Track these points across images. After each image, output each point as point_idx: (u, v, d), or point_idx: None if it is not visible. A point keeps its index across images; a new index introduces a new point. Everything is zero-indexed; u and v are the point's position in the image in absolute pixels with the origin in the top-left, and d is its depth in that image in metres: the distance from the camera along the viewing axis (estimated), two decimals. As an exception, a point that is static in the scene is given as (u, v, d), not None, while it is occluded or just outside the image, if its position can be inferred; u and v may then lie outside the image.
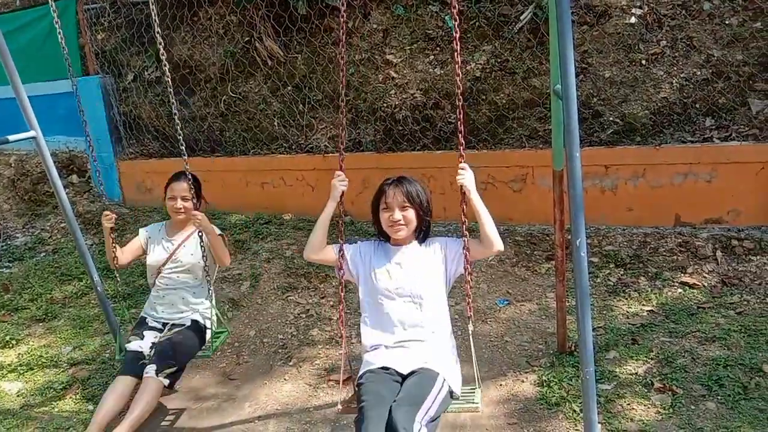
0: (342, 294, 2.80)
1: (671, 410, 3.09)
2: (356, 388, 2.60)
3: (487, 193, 5.31)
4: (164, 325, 3.61)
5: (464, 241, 2.58)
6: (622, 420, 3.07)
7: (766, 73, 5.09)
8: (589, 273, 4.39)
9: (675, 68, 5.33)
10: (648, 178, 5.00)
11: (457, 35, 2.53)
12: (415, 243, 2.75)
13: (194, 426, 3.56)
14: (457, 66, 2.56)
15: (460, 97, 2.59)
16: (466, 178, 2.57)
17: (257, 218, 6.18)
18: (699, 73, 5.23)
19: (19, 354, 4.53)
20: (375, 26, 6.39)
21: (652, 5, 5.54)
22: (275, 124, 6.63)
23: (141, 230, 3.86)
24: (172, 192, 3.62)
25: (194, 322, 3.60)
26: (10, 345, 4.66)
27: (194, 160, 6.74)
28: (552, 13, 2.80)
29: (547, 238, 5.06)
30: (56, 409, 3.82)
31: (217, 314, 3.72)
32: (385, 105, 6.08)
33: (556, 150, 3.36)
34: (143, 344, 3.50)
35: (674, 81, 5.29)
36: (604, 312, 4.17)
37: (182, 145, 3.44)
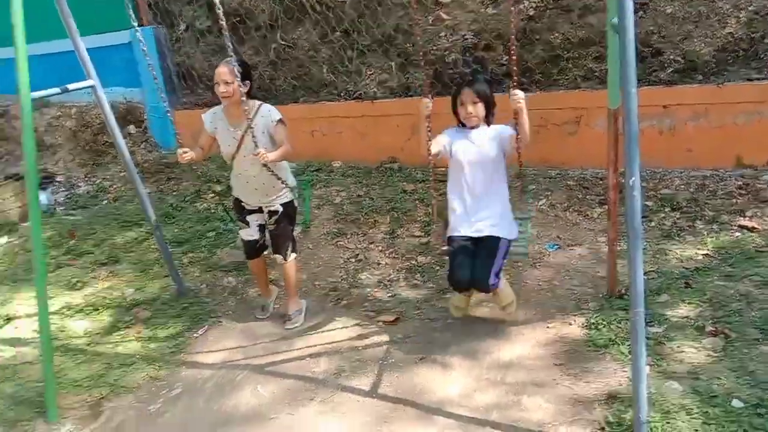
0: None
1: (723, 353, 3.02)
2: (445, 246, 3.59)
3: (539, 137, 5.21)
4: (258, 207, 3.97)
5: (515, 135, 3.38)
6: (672, 362, 3.03)
7: (844, 3, 4.73)
8: (643, 217, 4.29)
9: (742, 1, 5.00)
10: (709, 118, 4.78)
11: None
12: (484, 126, 3.54)
13: (249, 363, 3.71)
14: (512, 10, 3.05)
15: (515, 30, 3.32)
16: (520, 99, 3.22)
17: (307, 166, 6.25)
18: (769, 4, 4.90)
19: (84, 296, 4.79)
20: (424, -34, 6.21)
21: (720, -68, 5.17)
22: (324, 70, 6.61)
23: (203, 117, 3.93)
24: (216, 77, 3.68)
25: (283, 204, 3.94)
26: (77, 287, 4.93)
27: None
28: (606, -59, 2.66)
29: (600, 182, 4.94)
30: (120, 347, 4.05)
31: (295, 188, 4.03)
32: (435, 48, 5.96)
33: (611, 87, 3.24)
34: (252, 231, 4.02)
35: (741, 14, 4.98)
36: (657, 256, 4.07)
37: (226, 32, 3.41)
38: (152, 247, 5.37)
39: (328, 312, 4.16)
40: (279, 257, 4.02)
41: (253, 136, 3.52)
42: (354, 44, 6.45)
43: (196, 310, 4.36)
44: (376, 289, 4.31)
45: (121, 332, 4.22)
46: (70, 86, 3.88)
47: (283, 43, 6.87)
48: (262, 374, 3.56)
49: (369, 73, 6.42)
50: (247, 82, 3.63)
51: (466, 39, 5.89)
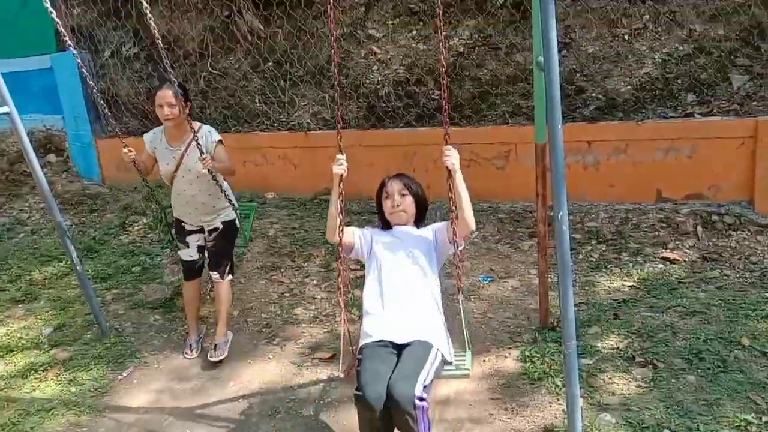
0: (341, 267, 2.93)
1: (652, 384, 3.13)
2: (357, 358, 2.76)
3: (470, 170, 5.31)
4: (201, 228, 3.99)
5: (452, 215, 2.79)
6: (604, 394, 3.10)
7: (747, 48, 5.10)
8: (572, 249, 4.40)
9: (657, 43, 5.32)
10: (630, 154, 5.01)
11: (440, 10, 2.67)
12: (413, 226, 3.07)
13: (178, 405, 3.54)
14: (442, 46, 2.78)
15: (445, 76, 2.80)
16: (452, 158, 2.75)
17: (239, 197, 6.09)
18: (681, 48, 5.23)
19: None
20: (357, 0, 6.30)
21: (635, -21, 5.51)
22: (256, 100, 6.55)
23: (144, 138, 4.01)
24: (157, 100, 3.73)
25: (224, 222, 3.96)
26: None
27: (174, 138, 6.70)
28: (535, -13, 2.77)
29: (530, 215, 5.07)
30: (37, 391, 3.78)
31: (237, 206, 4.01)
32: (367, 81, 6.02)
33: (538, 123, 3.35)
34: (192, 252, 4.02)
35: (657, 56, 5.29)
36: (587, 288, 4.20)
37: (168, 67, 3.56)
38: (73, 282, 5.09)
39: (261, 349, 4.03)
40: (215, 275, 3.97)
41: (198, 144, 3.60)
42: (287, 75, 6.42)
43: (119, 351, 4.13)
44: (311, 325, 4.23)
45: (39, 375, 3.94)
46: (-17, 114, 3.68)
47: (213, 71, 6.76)
48: (191, 419, 3.40)
49: (302, 104, 6.40)
50: (188, 103, 3.81)
51: (398, 73, 5.98)
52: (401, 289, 2.84)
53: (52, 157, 7.32)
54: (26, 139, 3.89)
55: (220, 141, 3.88)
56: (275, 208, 5.84)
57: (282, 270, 4.95)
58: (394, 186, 3.02)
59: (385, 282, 2.88)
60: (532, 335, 3.74)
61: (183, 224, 4.02)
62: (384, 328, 2.74)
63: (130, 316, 4.59)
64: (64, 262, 5.42)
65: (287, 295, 4.65)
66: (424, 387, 2.47)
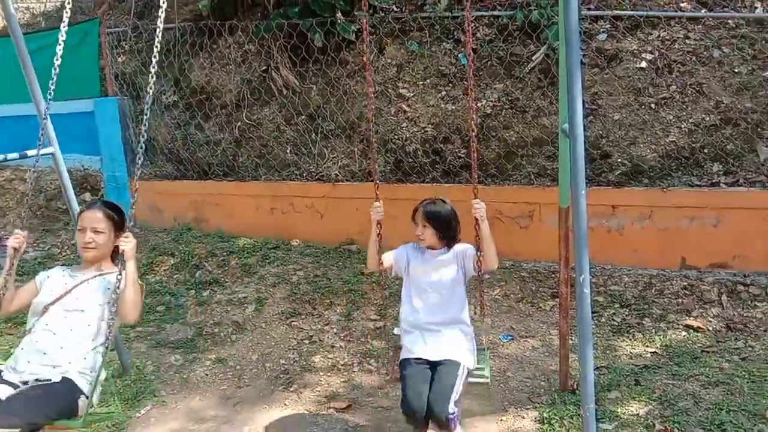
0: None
1: (672, 453, 3.07)
2: (398, 369, 3.23)
3: (494, 228, 5.30)
4: (25, 383, 2.73)
5: (477, 255, 3.17)
6: (622, 461, 3.05)
7: (774, 121, 5.16)
8: (594, 312, 4.41)
9: (684, 113, 5.40)
10: (655, 220, 5.03)
11: (471, 70, 3.03)
12: (443, 249, 3.31)
13: (192, 448, 3.55)
14: (472, 106, 3.16)
15: (474, 134, 3.17)
16: (481, 210, 3.11)
17: (265, 243, 6.23)
18: (708, 118, 5.30)
19: None
20: (389, 61, 6.53)
21: (662, 51, 5.65)
22: (288, 151, 6.73)
23: (41, 273, 3.16)
24: (82, 222, 3.03)
25: (66, 380, 2.73)
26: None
27: (207, 183, 6.90)
28: (562, 54, 2.88)
29: (553, 275, 5.08)
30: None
31: (102, 385, 2.94)
32: (396, 137, 6.17)
33: (562, 187, 3.41)
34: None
35: (683, 125, 5.36)
36: (608, 352, 4.16)
37: (140, 159, 2.86)
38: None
39: (278, 395, 4.04)
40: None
41: (118, 281, 2.81)
42: (318, 128, 6.62)
43: (139, 388, 4.17)
44: (329, 374, 4.23)
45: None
46: (30, 152, 3.85)
47: (248, 122, 6.99)
48: (205, 461, 3.40)
49: (332, 156, 6.56)
50: (118, 234, 3.05)
51: (426, 131, 6.13)
52: (433, 312, 3.23)
53: (87, 196, 7.54)
54: (67, 177, 4.07)
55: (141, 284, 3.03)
56: (299, 255, 5.92)
57: (302, 317, 4.99)
58: (419, 218, 3.29)
59: (419, 303, 3.27)
60: (551, 397, 3.70)
61: (1, 373, 2.80)
62: (420, 348, 3.19)
63: (151, 355, 4.64)
64: (90, 298, 5.52)
65: (306, 342, 4.67)
66: (455, 402, 2.93)
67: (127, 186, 7.32)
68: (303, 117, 6.73)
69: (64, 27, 3.35)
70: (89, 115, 7.51)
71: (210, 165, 6.99)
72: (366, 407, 3.80)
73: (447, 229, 3.28)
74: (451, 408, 2.88)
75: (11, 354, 2.99)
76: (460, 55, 6.23)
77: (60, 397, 2.69)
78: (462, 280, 3.28)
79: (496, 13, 6.27)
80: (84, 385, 2.79)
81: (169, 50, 7.19)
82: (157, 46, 2.99)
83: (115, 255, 3.06)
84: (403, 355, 3.25)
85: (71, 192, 4.08)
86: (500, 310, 4.85)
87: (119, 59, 7.87)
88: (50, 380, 2.72)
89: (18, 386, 2.70)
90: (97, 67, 7.58)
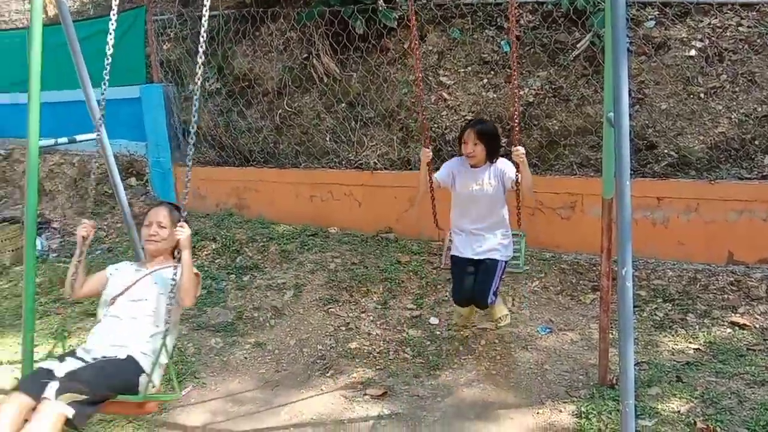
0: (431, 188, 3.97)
1: (714, 452, 3.00)
2: (448, 262, 4.02)
3: (535, 219, 5.30)
4: (93, 359, 2.92)
5: (516, 185, 3.77)
6: (662, 458, 3.00)
7: (831, 112, 4.94)
8: (636, 307, 4.32)
9: (735, 103, 5.22)
10: (701, 213, 4.89)
11: (514, 57, 3.57)
12: (487, 164, 3.85)
13: (230, 429, 3.63)
14: (515, 93, 3.76)
15: (517, 123, 3.75)
16: (521, 155, 3.58)
17: (304, 230, 6.28)
18: (760, 109, 5.11)
19: (69, 346, 4.65)
20: (431, 48, 6.47)
21: (713, 39, 5.45)
22: (327, 139, 6.76)
23: (110, 266, 3.35)
24: (148, 218, 3.29)
25: (129, 358, 2.92)
26: (62, 337, 4.83)
27: (248, 170, 6.99)
28: (608, 41, 2.81)
29: (594, 267, 4.99)
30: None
31: (171, 371, 3.07)
32: (435, 126, 6.13)
33: (606, 178, 3.34)
34: (59, 366, 2.76)
35: (733, 116, 5.18)
36: (649, 347, 4.08)
37: (191, 150, 3.06)
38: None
39: (315, 380, 4.10)
40: (53, 387, 2.58)
41: (174, 275, 2.93)
42: (358, 116, 6.63)
43: (180, 370, 4.27)
44: (365, 360, 4.27)
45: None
46: (78, 137, 3.96)
47: (288, 109, 7.04)
48: (243, 442, 3.48)
49: (371, 144, 6.57)
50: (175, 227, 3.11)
51: (467, 119, 6.07)
52: (478, 216, 3.86)
53: (132, 181, 7.74)
54: (113, 162, 4.17)
55: (197, 274, 3.14)
56: (337, 242, 5.96)
57: (340, 304, 5.03)
58: (469, 136, 3.78)
59: (466, 208, 3.91)
60: (590, 391, 3.65)
61: (75, 351, 3.02)
62: (466, 248, 3.88)
63: (192, 338, 4.75)
64: (135, 280, 5.67)
65: (343, 328, 4.71)
66: (494, 292, 3.74)
67: (171, 171, 7.47)
68: (343, 105, 6.74)
69: (114, 15, 3.42)
70: (136, 101, 7.67)
71: (251, 152, 7.08)
72: (401, 395, 3.82)
73: (495, 145, 3.83)
74: (491, 298, 3.70)
75: (61, 333, 3.42)
76: (502, 42, 6.13)
77: (123, 372, 2.88)
78: (501, 192, 3.83)
79: (540, -1, 6.15)
80: (146, 364, 2.95)
81: (213, 38, 7.28)
82: (203, 36, 3.04)
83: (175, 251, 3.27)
84: (453, 252, 3.94)
85: (117, 177, 4.19)
86: (539, 302, 4.80)
87: (164, 46, 8.01)
88: (116, 356, 2.92)
89: (88, 362, 2.90)
90: (143, 54, 7.73)
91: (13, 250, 6.52)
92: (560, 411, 3.51)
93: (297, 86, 7.01)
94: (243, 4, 7.38)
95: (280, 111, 7.06)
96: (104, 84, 3.44)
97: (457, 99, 6.16)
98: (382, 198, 6.09)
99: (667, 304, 4.54)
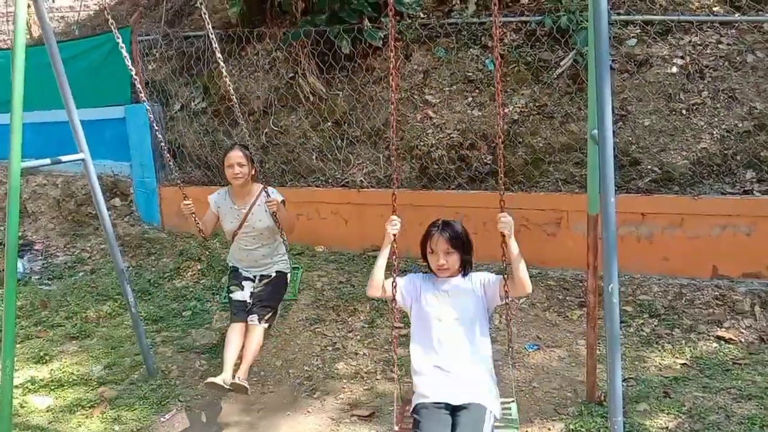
0: (396, 319, 3.06)
1: (703, 468, 2.99)
2: (412, 417, 2.80)
3: (521, 236, 5.22)
4: (254, 276, 4.24)
5: (504, 278, 2.87)
6: (651, 475, 2.98)
7: (810, 127, 5.01)
8: (622, 322, 4.33)
9: (716, 119, 5.29)
10: (685, 228, 4.92)
11: (499, 75, 2.81)
12: (459, 277, 3.00)
13: (216, 453, 3.57)
14: (499, 112, 2.83)
15: (501, 141, 2.80)
16: (507, 225, 2.79)
17: (290, 249, 6.22)
18: (741, 125, 5.18)
19: (51, 370, 4.62)
20: (416, 67, 6.52)
21: (694, 56, 5.54)
22: (314, 157, 6.75)
23: (210, 198, 4.32)
24: (229, 160, 4.06)
25: (278, 271, 4.26)
26: (44, 361, 4.76)
27: (233, 189, 6.95)
28: (591, 59, 2.84)
29: (580, 283, 5.00)
30: (83, 427, 3.88)
31: (291, 263, 4.43)
32: (421, 144, 6.15)
33: (591, 194, 3.36)
34: (245, 294, 4.14)
35: (715, 132, 5.24)
36: (636, 363, 4.08)
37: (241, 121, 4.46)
38: (125, 323, 5.25)
39: (301, 402, 4.04)
40: (253, 317, 4.01)
41: (267, 194, 4.08)
42: (344, 134, 6.64)
43: (164, 393, 4.21)
44: (352, 381, 4.22)
45: (86, 411, 4.05)
46: (63, 158, 3.95)
47: (274, 128, 7.04)
48: (228, 466, 3.41)
49: (357, 162, 6.57)
50: (254, 165, 4.18)
51: (452, 137, 6.10)
52: (452, 349, 2.84)
53: (117, 201, 7.68)
54: (96, 183, 4.13)
55: (283, 201, 4.16)
56: (324, 261, 5.93)
57: (326, 323, 4.98)
58: (440, 246, 2.91)
59: (435, 340, 2.87)
60: (578, 408, 3.64)
61: (240, 270, 4.28)
62: (438, 390, 2.76)
63: (176, 360, 4.68)
64: (118, 301, 5.61)
65: (330, 348, 4.67)
66: None
67: (155, 191, 7.42)
68: (329, 123, 6.76)
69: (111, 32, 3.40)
70: (120, 121, 7.64)
71: (237, 171, 7.04)
72: (389, 416, 3.77)
73: (469, 252, 2.98)
74: None
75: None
76: (487, 61, 6.19)
77: (280, 285, 4.29)
78: (484, 310, 2.94)
79: (524, 18, 6.22)
80: (287, 268, 4.36)
81: (199, 57, 7.30)
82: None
83: (253, 178, 4.23)
84: (417, 400, 2.81)
85: (101, 197, 4.15)
86: (526, 320, 4.79)
87: (149, 66, 8.01)
88: (270, 275, 4.25)
89: (253, 278, 4.24)
90: (128, 75, 7.69)
91: (-6, 273, 6.42)
92: (549, 429, 3.49)
93: (283, 105, 7.02)
94: (229, 24, 7.41)
95: (266, 130, 7.05)
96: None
97: (443, 117, 6.19)
98: (368, 216, 6.08)
99: (653, 319, 4.54)
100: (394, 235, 2.89)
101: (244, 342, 3.93)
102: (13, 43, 3.34)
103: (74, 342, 5.09)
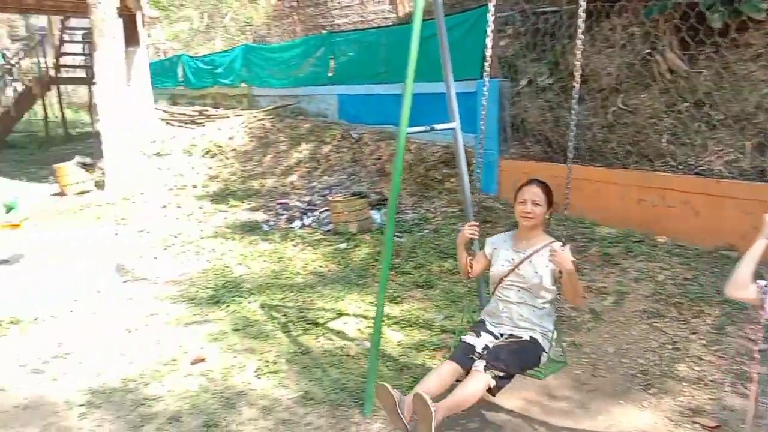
0: (758, 331, 2.74)
1: None
2: None
3: None
4: (501, 335, 3.46)
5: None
6: None
7: None
8: None
9: None
10: None
11: None
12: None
13: (545, 420, 3.67)
14: None
15: None
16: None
17: (628, 234, 5.98)
18: None
19: (401, 310, 5.27)
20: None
21: None
22: (664, 140, 6.30)
23: (487, 240, 3.75)
24: (522, 195, 3.47)
25: (533, 339, 3.38)
26: (396, 301, 5.46)
27: (572, 167, 6.89)
28: None
29: None
30: (428, 364, 4.35)
31: (560, 344, 3.54)
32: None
33: None
34: (478, 341, 3.39)
35: None
36: None
37: (571, 153, 3.53)
38: (463, 281, 5.67)
39: (634, 394, 3.90)
40: (481, 363, 3.23)
41: (562, 247, 3.26)
42: (704, 117, 6.03)
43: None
44: (694, 386, 3.91)
45: (430, 353, 4.52)
46: (437, 126, 4.36)
47: (623, 107, 6.74)
48: (559, 437, 3.50)
49: (716, 149, 5.92)
50: (551, 208, 3.51)
51: None
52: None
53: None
54: (463, 152, 4.47)
55: (573, 263, 3.27)
56: (666, 253, 5.53)
57: (666, 319, 4.68)
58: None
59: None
60: None
61: (485, 323, 3.57)
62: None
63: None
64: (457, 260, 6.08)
65: (669, 347, 4.38)
66: None
67: (496, 163, 7.79)
68: (687, 104, 6.20)
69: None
70: (471, 95, 8.16)
71: (577, 148, 6.95)
72: (738, 432, 3.42)
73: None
74: None
75: (470, 305, 4.03)
76: None
77: (530, 354, 3.35)
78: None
79: None
80: (545, 344, 3.39)
81: (553, 33, 7.34)
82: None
83: (546, 223, 3.56)
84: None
85: (464, 164, 4.48)
86: None
87: (501, 42, 8.34)
88: (521, 338, 3.38)
89: (497, 336, 3.46)
90: (481, 51, 8.13)
91: (359, 220, 7.51)
92: None
93: (635, 83, 6.67)
94: (589, -1, 7.28)
95: (613, 108, 6.80)
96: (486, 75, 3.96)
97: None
98: (726, 210, 5.46)
99: None
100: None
101: (451, 386, 3.26)
102: (400, 20, 3.79)
103: (420, 290, 5.71)
